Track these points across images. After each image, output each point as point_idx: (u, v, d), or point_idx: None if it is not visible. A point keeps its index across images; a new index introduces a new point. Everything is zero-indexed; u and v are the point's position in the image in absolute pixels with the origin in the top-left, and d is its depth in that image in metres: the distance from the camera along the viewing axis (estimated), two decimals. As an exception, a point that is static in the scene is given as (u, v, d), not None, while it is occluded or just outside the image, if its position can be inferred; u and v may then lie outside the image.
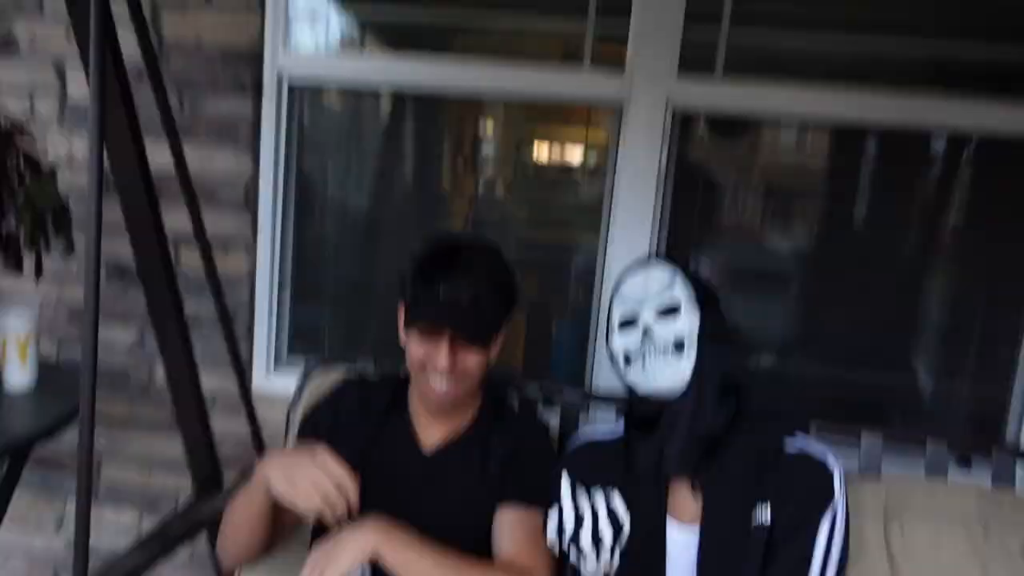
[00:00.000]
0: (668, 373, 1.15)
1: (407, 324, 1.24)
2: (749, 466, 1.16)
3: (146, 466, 2.16)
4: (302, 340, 2.13)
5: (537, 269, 2.02)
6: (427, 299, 1.21)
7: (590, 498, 1.07)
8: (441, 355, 1.19)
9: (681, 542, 1.17)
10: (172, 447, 2.08)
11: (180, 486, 2.13)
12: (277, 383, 2.06)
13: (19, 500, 2.22)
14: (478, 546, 1.24)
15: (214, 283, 1.67)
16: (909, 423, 1.83)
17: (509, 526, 1.24)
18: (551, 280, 2.06)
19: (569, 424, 1.54)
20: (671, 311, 1.17)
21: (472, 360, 1.22)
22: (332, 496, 1.04)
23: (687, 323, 1.16)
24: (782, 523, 1.11)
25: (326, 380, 1.48)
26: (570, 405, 1.55)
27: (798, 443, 1.20)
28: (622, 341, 1.20)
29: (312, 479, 1.05)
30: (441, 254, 1.24)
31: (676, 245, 1.86)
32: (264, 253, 2.03)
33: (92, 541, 2.16)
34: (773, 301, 1.86)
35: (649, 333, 1.17)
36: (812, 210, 1.95)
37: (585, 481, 1.24)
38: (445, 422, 1.32)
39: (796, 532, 1.10)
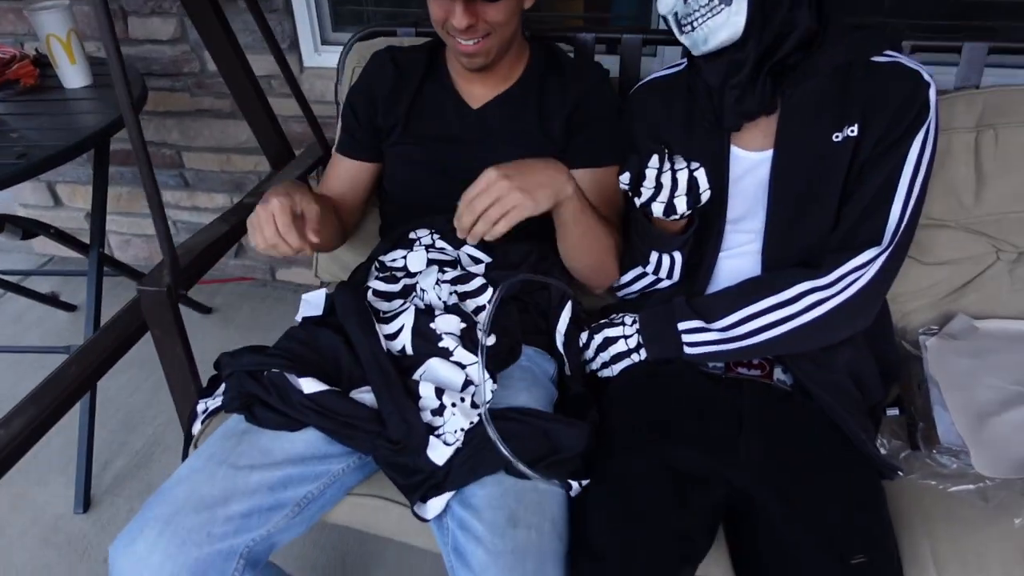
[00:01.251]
0: (719, 28, 0.99)
1: None
2: (832, 85, 1.05)
3: (222, 152, 2.23)
4: (347, 11, 2.00)
5: None
6: None
7: (674, 168, 0.98)
8: (457, 11, 1.07)
9: (748, 163, 1.11)
10: (241, 131, 2.14)
11: (259, 168, 2.22)
12: (328, 59, 1.99)
13: (121, 195, 2.41)
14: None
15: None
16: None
17: (586, 189, 1.18)
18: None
19: (631, 72, 1.44)
20: None
21: (495, 11, 1.09)
22: (270, 237, 1.00)
23: None
24: (872, 138, 1.03)
25: (366, 52, 1.40)
26: (631, 49, 1.43)
27: (888, 55, 1.06)
28: (668, 3, 1.03)
29: (255, 222, 1.02)
30: None
31: None
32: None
33: (199, 219, 2.38)
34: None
35: None
36: None
37: (655, 127, 1.17)
38: (490, 79, 1.24)
39: (887, 148, 1.02)
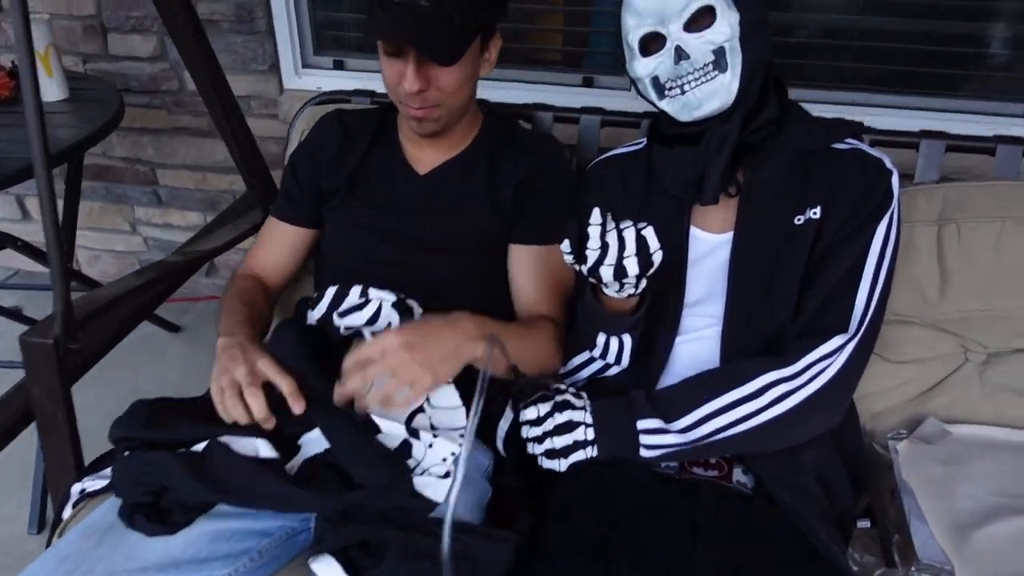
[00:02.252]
0: (713, 94, 0.97)
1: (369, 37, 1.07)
2: (795, 169, 1.03)
3: (198, 170, 2.22)
4: (328, 36, 2.01)
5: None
6: (382, 7, 1.02)
7: (619, 228, 0.92)
8: (408, 76, 1.04)
9: (708, 246, 1.08)
10: (218, 150, 2.13)
11: (235, 187, 2.21)
12: (309, 81, 2.01)
13: (92, 210, 2.38)
14: (479, 264, 1.21)
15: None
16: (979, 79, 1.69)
17: (532, 266, 1.18)
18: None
19: (588, 152, 1.42)
20: (704, 16, 0.96)
21: (448, 77, 1.06)
22: (240, 418, 0.93)
23: (726, 26, 0.95)
24: (836, 222, 1.00)
25: (319, 116, 1.37)
26: (589, 129, 1.43)
27: (849, 143, 1.07)
28: (648, 66, 1.00)
29: (224, 403, 0.94)
30: None
31: None
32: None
33: (169, 237, 2.36)
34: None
35: (683, 52, 0.96)
36: None
37: (610, 201, 1.06)
38: (440, 144, 1.21)
39: (851, 232, 1.00)
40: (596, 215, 0.90)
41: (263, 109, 2.02)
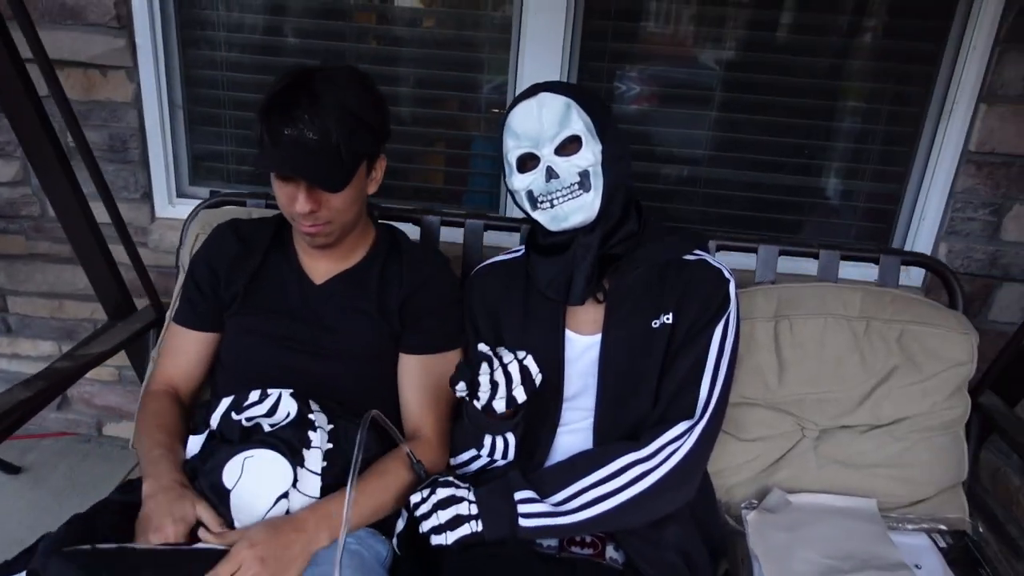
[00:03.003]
0: (578, 209, 1.12)
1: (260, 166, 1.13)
2: (652, 278, 1.18)
3: (54, 298, 2.11)
4: (206, 166, 2.02)
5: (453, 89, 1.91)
6: (272, 141, 1.10)
7: (503, 362, 1.04)
8: (299, 201, 1.11)
9: (580, 346, 1.20)
10: (78, 277, 2.04)
11: (96, 316, 2.10)
12: (183, 211, 1.97)
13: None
14: (374, 370, 1.25)
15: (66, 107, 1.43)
16: (813, 219, 1.90)
17: (417, 375, 1.24)
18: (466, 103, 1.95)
19: (473, 254, 1.52)
20: (572, 144, 1.11)
21: (337, 201, 1.14)
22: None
23: (590, 154, 1.10)
24: (683, 325, 1.15)
25: (212, 220, 1.42)
26: (473, 233, 1.53)
27: (697, 255, 1.22)
28: (524, 181, 1.14)
29: (150, 540, 1.01)
30: (288, 89, 1.10)
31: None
32: (148, 75, 1.85)
33: (17, 368, 2.18)
34: (688, 114, 1.83)
35: (553, 172, 1.11)
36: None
37: (493, 305, 1.25)
38: (334, 255, 1.27)
39: (695, 334, 1.15)
40: (484, 366, 1.03)
41: (133, 237, 1.96)
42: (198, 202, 1.91)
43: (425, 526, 1.07)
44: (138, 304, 1.73)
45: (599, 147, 1.11)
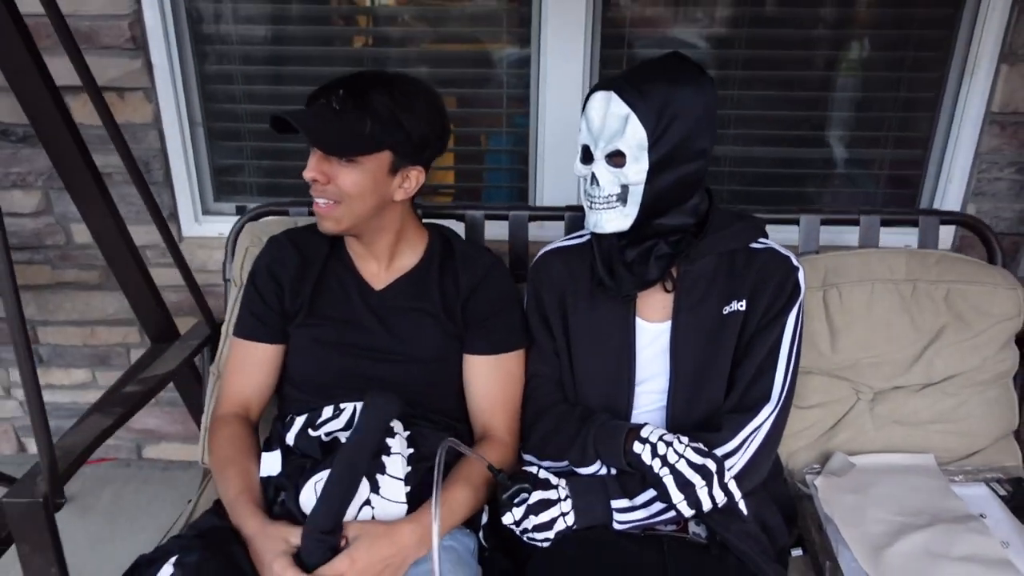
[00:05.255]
0: (612, 220, 1.14)
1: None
2: (721, 266, 1.21)
3: (86, 325, 2.10)
4: (229, 182, 2.01)
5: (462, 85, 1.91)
6: (307, 102, 1.16)
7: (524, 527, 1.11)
8: (309, 164, 1.14)
9: (651, 332, 1.23)
10: (108, 303, 2.04)
11: (128, 340, 2.10)
12: (209, 228, 1.98)
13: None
14: (441, 372, 1.27)
15: (114, 131, 1.47)
16: (841, 190, 1.93)
17: (484, 376, 1.26)
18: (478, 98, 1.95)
19: (519, 245, 1.54)
20: (618, 157, 1.11)
21: (346, 178, 1.13)
22: None
23: (636, 170, 1.10)
24: (757, 312, 1.19)
25: (259, 232, 1.43)
26: (518, 223, 1.54)
27: (763, 243, 1.25)
28: (581, 171, 1.17)
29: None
30: (348, 75, 1.16)
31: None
32: (166, 94, 1.85)
33: (50, 399, 2.18)
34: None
35: (596, 179, 1.13)
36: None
37: (560, 289, 1.26)
38: (389, 261, 1.28)
39: (769, 321, 1.18)
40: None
41: (160, 258, 1.96)
42: (227, 218, 1.92)
43: (520, 528, 1.12)
44: (179, 322, 1.73)
45: (646, 164, 1.09)
